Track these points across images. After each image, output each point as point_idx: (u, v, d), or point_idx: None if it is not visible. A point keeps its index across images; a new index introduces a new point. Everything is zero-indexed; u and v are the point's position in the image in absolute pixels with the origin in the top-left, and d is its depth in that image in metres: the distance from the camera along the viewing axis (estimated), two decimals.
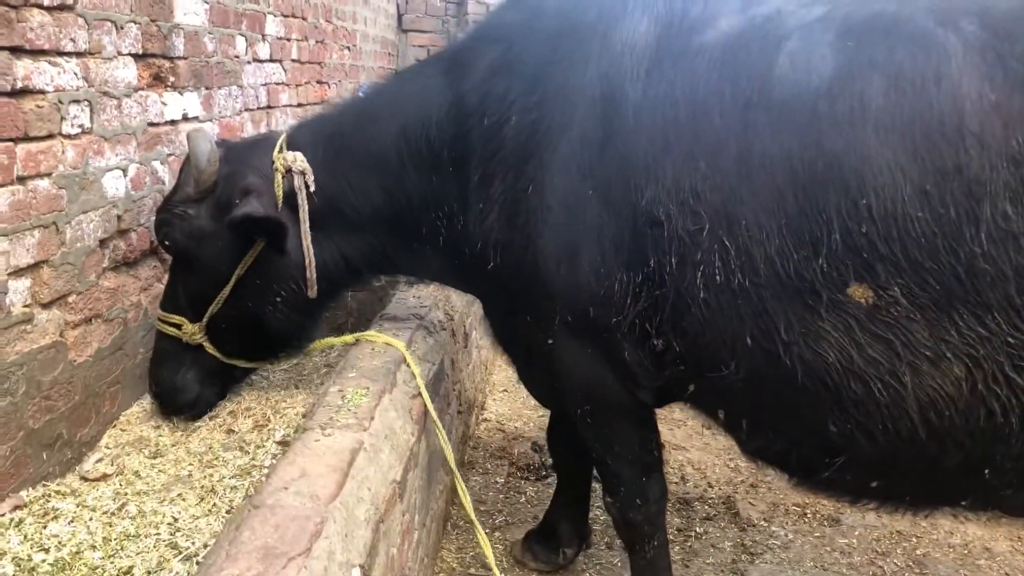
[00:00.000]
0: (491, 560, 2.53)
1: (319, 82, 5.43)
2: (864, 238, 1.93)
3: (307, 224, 2.69)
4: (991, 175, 1.82)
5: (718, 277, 2.12)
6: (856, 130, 1.95)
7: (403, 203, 2.76)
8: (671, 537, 3.57)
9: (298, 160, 2.69)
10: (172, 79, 3.33)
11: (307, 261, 2.69)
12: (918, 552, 3.56)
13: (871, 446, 2.08)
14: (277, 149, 2.74)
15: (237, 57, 4.01)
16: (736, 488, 4.00)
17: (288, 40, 4.77)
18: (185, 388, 2.90)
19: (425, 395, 2.72)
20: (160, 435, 2.91)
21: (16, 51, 2.38)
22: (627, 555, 2.87)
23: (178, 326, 2.85)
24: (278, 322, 2.84)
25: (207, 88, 3.65)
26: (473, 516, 2.62)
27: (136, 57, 3.04)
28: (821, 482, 2.32)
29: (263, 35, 4.35)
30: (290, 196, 2.71)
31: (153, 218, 2.96)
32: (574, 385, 2.61)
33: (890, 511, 2.42)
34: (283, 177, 2.71)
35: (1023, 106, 1.81)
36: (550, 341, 2.53)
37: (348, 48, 6.19)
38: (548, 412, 3.45)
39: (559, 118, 2.41)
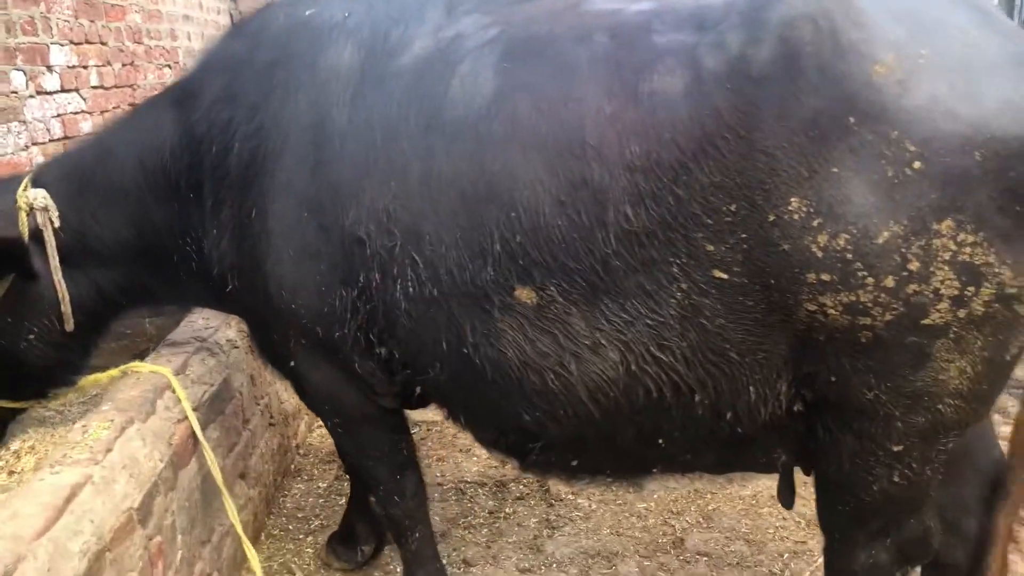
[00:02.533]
0: (256, 568, 2.65)
1: (133, 105, 5.38)
2: (520, 247, 2.11)
3: (55, 259, 2.72)
4: (611, 183, 2.00)
5: (412, 289, 2.27)
6: (508, 149, 2.11)
7: (150, 234, 2.82)
8: (481, 520, 3.78)
9: (39, 198, 2.71)
10: None
11: (60, 295, 2.73)
12: (710, 508, 3.83)
13: (558, 429, 2.27)
14: (22, 188, 2.76)
15: (15, 93, 3.97)
16: None
17: (84, 68, 4.73)
18: None
19: (192, 418, 2.81)
20: None
21: None
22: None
23: None
24: (37, 358, 2.83)
25: None
26: (239, 528, 2.73)
27: None
28: (534, 464, 2.51)
29: (48, 66, 4.31)
30: (37, 234, 2.74)
31: None
32: (320, 399, 2.75)
33: (601, 484, 2.64)
34: (27, 215, 2.73)
35: (635, 116, 1.99)
36: (292, 362, 2.65)
37: (169, 66, 6.13)
38: None
39: (276, 145, 2.51)
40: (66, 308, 2.74)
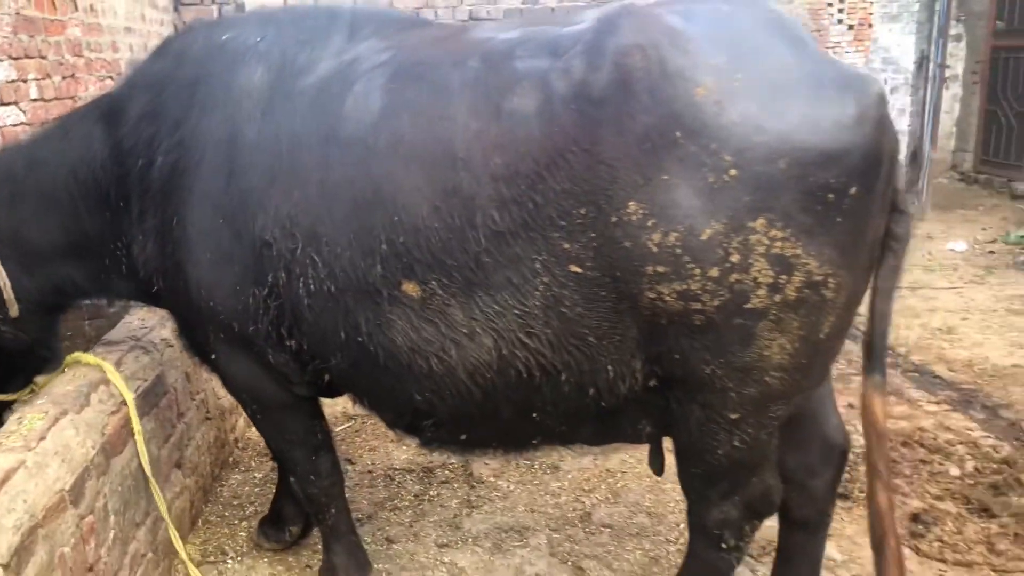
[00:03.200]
0: (179, 548, 2.91)
1: None
2: (403, 246, 2.39)
3: None
4: (478, 191, 2.30)
5: (312, 286, 2.54)
6: (391, 160, 2.40)
7: (81, 238, 3.05)
8: (407, 503, 4.05)
9: None
10: None
11: (3, 283, 2.95)
12: (619, 485, 4.15)
13: (446, 408, 2.57)
14: None
15: None
16: None
17: (24, 81, 4.91)
18: None
19: (130, 403, 3.05)
20: None
21: None
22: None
23: None
24: (11, 343, 3.06)
25: None
26: (163, 510, 2.99)
27: None
28: (430, 440, 2.81)
29: None
30: None
31: None
32: (239, 389, 3.02)
33: (492, 456, 2.93)
34: None
35: (498, 132, 2.29)
36: (213, 355, 2.92)
37: (111, 78, 6.31)
38: None
39: (194, 158, 2.76)
40: (8, 294, 2.95)
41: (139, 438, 3.07)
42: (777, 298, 2.19)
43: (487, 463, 4.37)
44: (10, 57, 4.75)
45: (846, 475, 4.15)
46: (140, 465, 3.12)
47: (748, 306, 2.20)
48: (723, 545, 2.62)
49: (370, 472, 4.34)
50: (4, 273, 2.95)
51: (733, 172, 2.12)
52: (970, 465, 4.25)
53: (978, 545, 3.53)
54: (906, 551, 3.55)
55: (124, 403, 3.09)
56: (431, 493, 4.13)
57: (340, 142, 2.50)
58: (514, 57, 2.37)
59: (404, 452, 4.52)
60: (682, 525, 3.76)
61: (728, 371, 2.30)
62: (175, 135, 2.81)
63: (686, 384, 2.38)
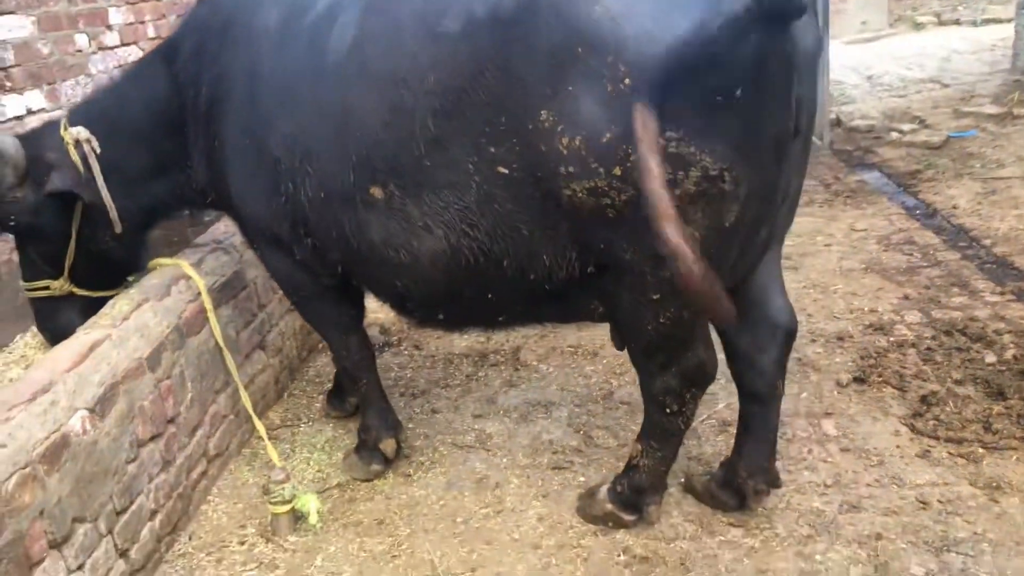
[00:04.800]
0: (249, 409, 3.62)
1: None
2: (367, 157, 2.85)
3: (101, 178, 3.61)
4: (417, 105, 2.69)
5: (311, 194, 3.06)
6: (358, 84, 2.83)
7: (163, 161, 3.70)
8: (458, 382, 4.62)
9: (82, 132, 3.60)
10: (8, 84, 4.32)
11: (108, 205, 3.65)
12: None
13: (420, 290, 3.05)
14: (62, 128, 3.66)
15: (80, 51, 4.95)
16: (527, 339, 4.97)
17: (142, 23, 5.67)
18: (74, 327, 3.69)
19: (204, 295, 3.74)
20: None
21: None
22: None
23: (46, 287, 3.76)
24: (116, 253, 3.78)
25: (49, 84, 4.63)
26: (236, 377, 3.70)
27: None
28: (415, 318, 3.31)
29: (108, 26, 5.27)
30: (84, 160, 3.66)
31: None
32: (280, 279, 3.64)
33: (472, 330, 3.41)
34: (75, 148, 3.66)
35: (432, 53, 2.64)
36: (258, 252, 3.54)
37: None
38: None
39: (227, 89, 3.32)
40: (113, 215, 3.64)
41: (211, 317, 3.76)
42: (678, 192, 2.47)
43: (534, 350, 4.84)
44: (127, 2, 5.50)
45: (870, 361, 4.34)
46: (216, 343, 3.84)
47: None
48: (667, 410, 2.99)
49: (432, 356, 4.93)
50: (109, 197, 3.63)
51: (628, 81, 2.39)
52: (1010, 353, 4.24)
53: (973, 424, 3.65)
54: (901, 428, 3.74)
55: (200, 293, 3.79)
56: (479, 374, 4.67)
57: (324, 71, 2.96)
58: None
59: (465, 340, 5.06)
60: None
61: (644, 257, 2.61)
62: (213, 70, 3.37)
63: (614, 269, 2.72)
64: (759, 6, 2.29)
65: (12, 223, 3.62)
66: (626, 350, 3.03)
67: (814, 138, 3.67)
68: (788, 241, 3.54)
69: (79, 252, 3.67)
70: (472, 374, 4.69)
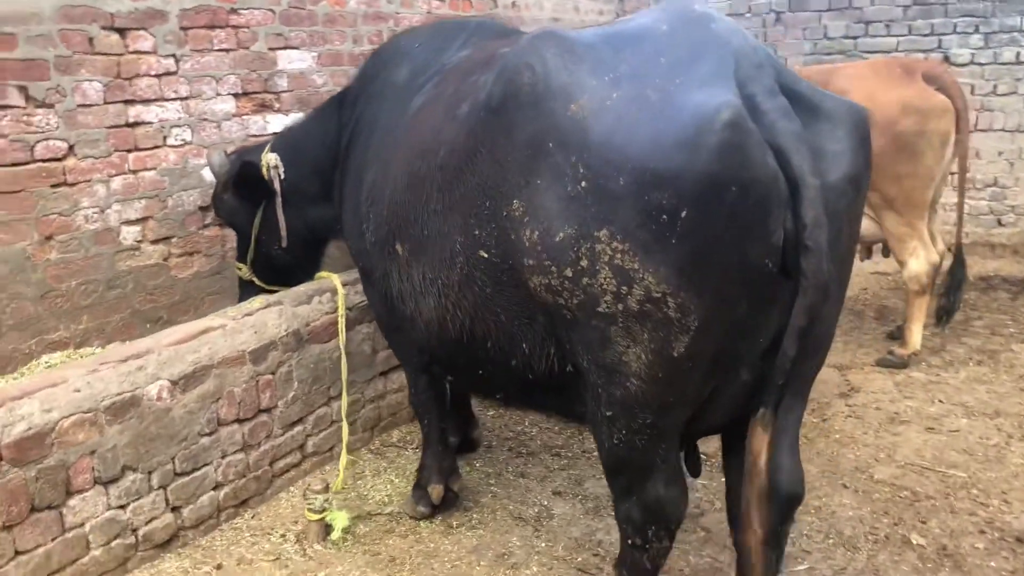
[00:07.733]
0: (343, 425, 3.97)
1: None
2: (393, 215, 3.07)
3: (280, 198, 4.28)
4: (428, 176, 2.79)
5: (372, 238, 3.32)
6: (402, 149, 3.05)
7: (328, 191, 4.24)
8: (568, 455, 4.55)
9: (272, 159, 4.29)
10: (277, 105, 5.21)
11: (280, 222, 4.31)
12: None
13: (428, 345, 3.17)
14: (266, 151, 4.37)
15: None
16: None
17: None
18: None
19: (340, 311, 4.20)
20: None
21: (128, 102, 4.41)
22: None
23: (240, 269, 4.63)
24: (282, 260, 4.47)
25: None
26: (344, 405, 4.09)
27: (236, 95, 4.96)
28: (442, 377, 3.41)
29: None
30: (271, 181, 4.35)
31: None
32: (373, 310, 3.93)
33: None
34: (269, 169, 4.36)
35: (448, 131, 2.73)
36: (361, 282, 3.89)
37: None
38: None
39: (356, 133, 3.74)
40: (283, 230, 4.29)
41: (341, 328, 4.19)
42: (621, 307, 2.28)
43: None
44: None
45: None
46: (342, 356, 4.27)
47: (599, 309, 2.33)
48: (629, 542, 2.70)
49: (561, 423, 4.89)
50: (282, 215, 4.25)
51: (584, 184, 2.28)
52: None
53: None
54: None
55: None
56: (593, 452, 4.53)
57: (396, 129, 3.22)
58: (474, 72, 2.83)
59: None
60: None
61: (597, 368, 2.44)
62: (354, 117, 3.81)
63: (580, 374, 2.56)
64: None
65: (221, 217, 4.52)
66: None
67: None
68: None
69: (257, 251, 4.35)
70: (588, 451, 4.57)
